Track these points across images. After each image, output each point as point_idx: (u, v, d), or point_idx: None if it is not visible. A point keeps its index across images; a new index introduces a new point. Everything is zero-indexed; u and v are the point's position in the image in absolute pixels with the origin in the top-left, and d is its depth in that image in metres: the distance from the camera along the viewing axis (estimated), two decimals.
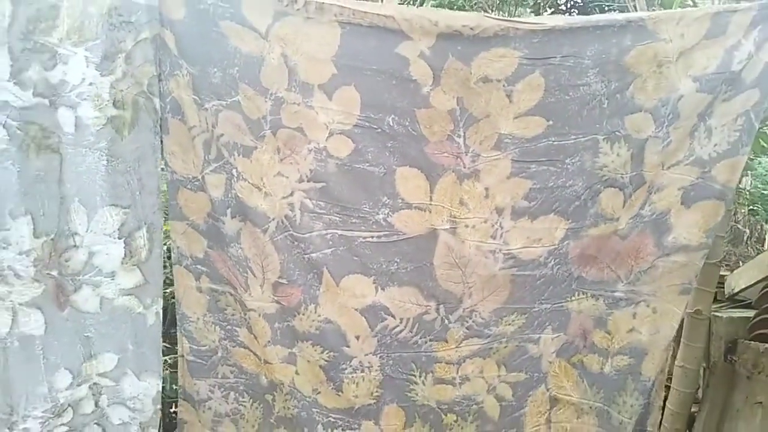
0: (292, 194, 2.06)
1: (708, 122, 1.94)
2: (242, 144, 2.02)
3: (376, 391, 2.15)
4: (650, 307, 2.09)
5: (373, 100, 1.99)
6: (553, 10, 7.21)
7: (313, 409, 2.15)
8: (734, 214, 3.33)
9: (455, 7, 4.20)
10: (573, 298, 2.13)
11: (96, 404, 2.03)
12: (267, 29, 1.93)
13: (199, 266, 2.13)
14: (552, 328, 2.15)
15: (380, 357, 2.14)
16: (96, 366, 2.00)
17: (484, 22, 1.91)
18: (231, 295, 2.14)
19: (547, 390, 2.16)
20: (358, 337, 2.13)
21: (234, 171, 2.03)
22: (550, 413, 2.17)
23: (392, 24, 1.93)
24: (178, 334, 2.18)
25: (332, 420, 2.16)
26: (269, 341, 2.13)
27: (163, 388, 2.13)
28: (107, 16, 1.92)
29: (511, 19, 1.97)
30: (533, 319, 2.14)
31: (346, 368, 2.13)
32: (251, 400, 2.21)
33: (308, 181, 2.05)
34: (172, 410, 2.74)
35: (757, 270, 2.59)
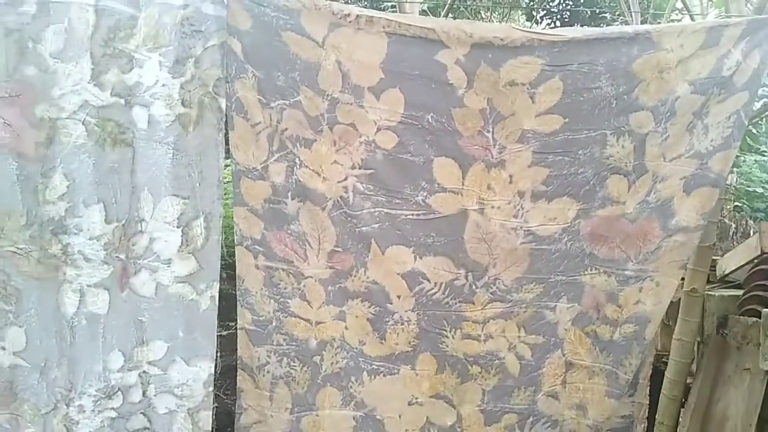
0: (346, 179, 2.41)
1: (705, 121, 2.26)
2: (304, 137, 2.37)
3: (413, 341, 2.55)
4: (654, 281, 2.32)
5: (415, 101, 2.32)
6: (545, 12, 7.36)
7: (359, 359, 2.54)
8: (721, 210, 3.65)
9: (450, 9, 4.38)
10: (586, 272, 2.36)
11: (143, 393, 2.13)
12: (323, 39, 2.18)
13: (257, 246, 2.33)
14: (567, 299, 2.36)
15: (417, 313, 2.52)
16: (146, 353, 2.12)
17: (513, 33, 2.22)
18: (284, 270, 2.45)
19: (563, 355, 2.40)
20: (399, 296, 2.50)
21: (297, 160, 2.38)
22: (565, 375, 2.42)
23: (432, 35, 2.24)
24: (239, 308, 2.47)
25: (375, 367, 2.54)
26: (323, 302, 2.50)
27: None
28: (180, 26, 2.20)
29: (536, 31, 2.29)
30: (550, 288, 2.37)
31: (389, 321, 2.51)
32: (301, 364, 2.40)
33: (360, 168, 2.39)
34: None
35: (744, 253, 2.92)
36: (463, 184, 2.40)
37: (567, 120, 2.30)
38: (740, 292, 2.85)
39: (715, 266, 3.07)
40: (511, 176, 2.39)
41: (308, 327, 2.54)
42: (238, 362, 2.55)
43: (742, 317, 2.70)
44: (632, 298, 2.43)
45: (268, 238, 2.46)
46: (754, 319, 2.61)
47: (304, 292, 2.50)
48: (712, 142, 2.26)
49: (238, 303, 2.51)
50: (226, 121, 2.34)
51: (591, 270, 2.45)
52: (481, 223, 2.43)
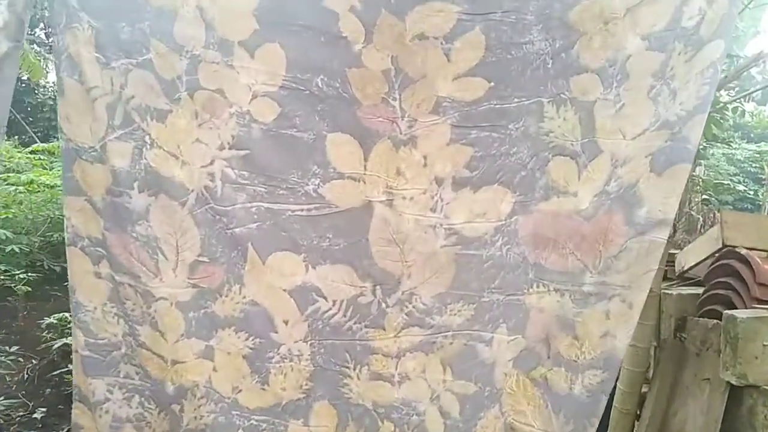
0: (212, 163, 1.84)
1: (672, 85, 1.72)
2: (155, 107, 1.81)
3: (306, 384, 1.91)
4: (626, 302, 1.70)
5: (300, 59, 1.80)
6: None
7: (233, 412, 1.88)
8: (688, 203, 3.21)
9: None
10: (531, 290, 1.82)
11: None
12: None
13: (98, 249, 1.86)
14: (507, 328, 1.82)
15: (311, 344, 1.90)
16: None
17: None
18: (131, 286, 1.85)
19: (502, 414, 1.82)
20: (286, 322, 1.89)
21: (147, 138, 1.81)
22: None
23: None
24: (72, 325, 1.90)
25: (255, 423, 1.88)
26: (182, 334, 1.86)
27: None
28: None
29: None
30: (483, 311, 1.85)
31: (273, 357, 1.89)
32: (158, 408, 1.90)
33: (230, 149, 1.84)
34: None
35: (705, 247, 2.46)
36: (365, 168, 1.85)
37: (492, 84, 1.80)
38: (700, 290, 2.39)
39: (673, 261, 2.59)
40: (425, 157, 1.85)
41: (162, 366, 1.87)
42: (75, 392, 1.92)
43: (701, 319, 2.25)
44: (596, 327, 1.76)
45: (110, 242, 1.84)
46: (715, 321, 2.17)
47: (155, 318, 1.86)
48: (682, 105, 1.70)
49: (72, 320, 1.88)
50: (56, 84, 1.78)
51: (537, 287, 1.84)
52: (390, 219, 1.86)
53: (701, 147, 3.12)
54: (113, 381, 1.90)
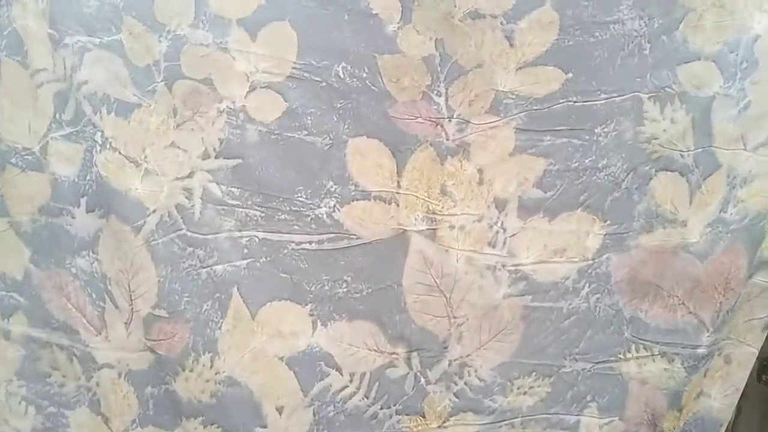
0: (190, 175, 1.35)
1: None
2: (117, 98, 1.35)
3: None
4: (722, 356, 1.41)
5: (316, 42, 1.36)
6: None
7: None
8: None
9: None
10: (629, 354, 1.38)
11: None
12: None
13: (14, 294, 1.33)
14: (598, 407, 1.37)
15: None
16: None
17: None
18: (62, 349, 1.33)
19: None
20: (281, 409, 1.31)
21: (98, 136, 1.33)
22: None
23: None
24: None
25: None
26: (134, 421, 1.30)
27: None
28: None
29: None
30: (564, 386, 1.37)
31: None
32: None
33: (216, 157, 1.35)
34: None
35: None
36: (399, 186, 1.36)
37: (570, 75, 1.35)
38: None
39: None
40: (480, 172, 1.36)
41: None
42: None
43: None
44: (693, 388, 1.40)
45: (38, 281, 1.31)
46: None
47: (97, 396, 1.28)
48: None
49: None
50: None
51: (637, 350, 1.37)
52: (433, 257, 1.34)
53: None
54: None
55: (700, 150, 1.34)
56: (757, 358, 1.89)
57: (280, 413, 1.32)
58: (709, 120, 1.34)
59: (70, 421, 1.31)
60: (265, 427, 1.31)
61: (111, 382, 1.30)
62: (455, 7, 1.36)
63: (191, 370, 1.32)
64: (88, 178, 1.33)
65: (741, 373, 1.43)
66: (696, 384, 1.40)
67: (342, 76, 1.36)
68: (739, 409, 1.98)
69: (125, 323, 1.32)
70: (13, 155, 1.33)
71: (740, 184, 1.34)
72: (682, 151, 1.35)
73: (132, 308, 1.32)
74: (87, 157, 1.33)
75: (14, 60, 1.34)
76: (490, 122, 1.36)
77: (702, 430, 1.45)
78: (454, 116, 1.37)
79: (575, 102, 1.35)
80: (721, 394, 1.43)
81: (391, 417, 1.32)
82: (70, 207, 1.31)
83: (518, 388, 1.35)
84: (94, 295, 1.31)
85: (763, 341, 1.43)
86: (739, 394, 1.47)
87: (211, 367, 1.33)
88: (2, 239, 1.34)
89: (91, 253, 1.32)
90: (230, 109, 1.36)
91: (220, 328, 1.33)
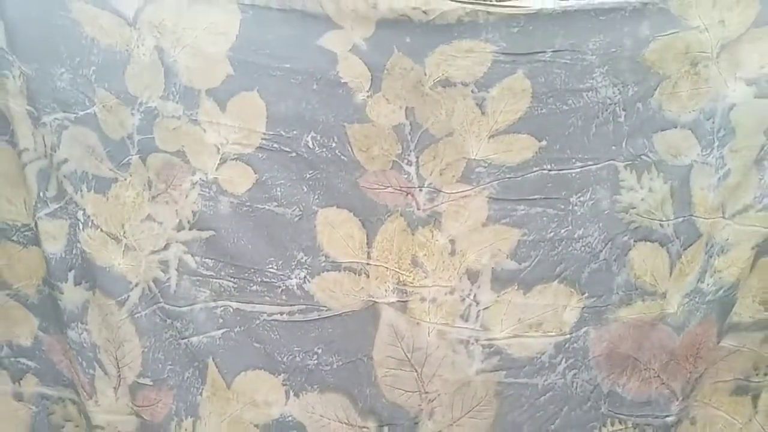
0: (166, 247, 1.37)
1: None
2: (95, 174, 1.37)
3: None
4: (689, 418, 1.37)
5: (285, 112, 1.36)
6: None
7: None
8: None
9: None
10: (604, 429, 1.35)
11: None
12: (135, 13, 1.35)
13: (22, 360, 1.40)
14: None
15: None
16: None
17: (442, 3, 1.34)
18: (74, 403, 1.40)
19: None
20: None
21: (80, 214, 1.36)
22: None
23: (313, 6, 1.36)
24: None
25: None
26: None
27: None
28: None
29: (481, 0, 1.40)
30: None
31: None
32: None
33: (190, 229, 1.37)
34: None
35: None
36: (369, 256, 1.35)
37: (544, 143, 1.33)
38: None
39: None
40: (452, 242, 1.35)
41: None
42: None
43: None
44: None
45: (47, 346, 1.39)
46: None
47: None
48: None
49: None
50: None
51: (612, 424, 1.35)
52: (404, 330, 1.34)
53: None
54: None
55: (680, 219, 1.31)
56: None
57: None
58: (689, 188, 1.30)
59: None
60: None
61: None
62: (425, 75, 1.35)
63: None
64: (74, 252, 1.36)
65: None
66: None
67: (311, 146, 1.36)
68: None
69: (114, 388, 1.36)
70: (13, 233, 1.38)
71: (717, 253, 1.30)
72: (661, 220, 1.31)
73: (120, 375, 1.36)
74: (71, 232, 1.36)
75: (3, 140, 1.38)
76: (461, 191, 1.35)
77: None
78: (425, 185, 1.35)
79: (549, 170, 1.33)
80: None
81: None
82: (59, 283, 1.35)
83: None
84: (84, 364, 1.35)
85: (744, 408, 1.39)
86: None
87: (193, 431, 1.36)
88: (4, 309, 1.39)
89: (80, 324, 1.36)
90: (203, 181, 1.37)
91: (201, 394, 1.35)
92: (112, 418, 1.37)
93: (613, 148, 1.31)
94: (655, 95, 1.31)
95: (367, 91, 1.35)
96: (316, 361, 1.34)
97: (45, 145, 1.37)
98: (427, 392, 1.32)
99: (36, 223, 1.37)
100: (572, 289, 1.31)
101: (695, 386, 1.34)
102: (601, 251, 1.31)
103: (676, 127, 1.30)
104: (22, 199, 1.40)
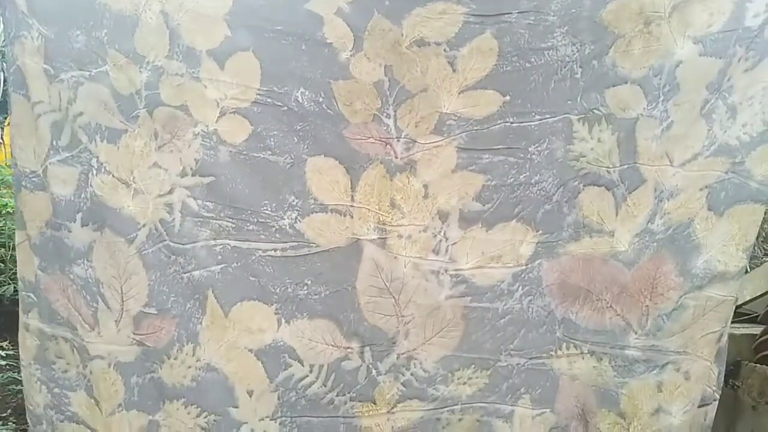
0: (171, 191, 1.53)
1: (729, 99, 1.41)
2: (107, 126, 1.54)
3: None
4: (681, 371, 1.46)
5: (277, 70, 1.51)
6: None
7: None
8: None
9: None
10: (560, 352, 1.50)
11: None
12: None
13: (30, 295, 1.55)
14: (531, 399, 1.50)
15: (281, 423, 1.50)
16: None
17: None
18: (66, 341, 1.53)
19: None
20: (251, 393, 1.51)
21: (94, 161, 1.53)
22: None
23: None
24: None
25: None
26: (120, 405, 1.50)
27: None
28: None
29: None
30: (500, 379, 1.50)
31: None
32: None
33: (193, 175, 1.53)
34: None
35: (764, 279, 2.03)
36: (352, 200, 1.51)
37: (508, 98, 1.47)
38: (757, 330, 2.04)
39: None
40: (425, 186, 1.51)
41: None
42: None
43: (759, 366, 1.90)
44: (646, 402, 1.47)
45: (44, 284, 1.53)
46: None
47: (90, 381, 1.50)
48: (746, 128, 1.40)
49: None
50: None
51: (567, 348, 1.51)
52: (383, 263, 1.50)
53: None
54: None
55: (625, 166, 1.46)
56: (726, 363, 1.97)
57: (250, 396, 1.51)
58: (634, 139, 1.45)
59: (71, 401, 1.53)
60: (237, 407, 1.50)
61: (101, 371, 1.50)
62: (402, 35, 1.49)
63: (175, 358, 1.51)
64: (82, 196, 1.52)
65: (698, 388, 1.48)
66: (645, 396, 1.47)
67: (301, 101, 1.51)
68: (705, 413, 2.06)
69: (116, 321, 1.51)
70: (23, 178, 1.53)
71: (667, 198, 1.45)
72: (608, 167, 1.46)
73: (123, 308, 1.52)
74: (82, 178, 1.52)
75: (20, 94, 1.53)
76: (434, 142, 1.50)
77: None
78: (402, 136, 1.51)
79: (512, 123, 1.48)
80: (680, 411, 1.47)
81: (345, 403, 1.50)
82: (67, 222, 1.51)
83: (458, 379, 1.50)
84: (88, 297, 1.51)
85: (715, 354, 1.48)
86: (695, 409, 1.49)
87: (193, 355, 1.51)
88: (21, 249, 1.56)
89: (86, 261, 1.51)
90: (204, 132, 1.52)
91: (201, 323, 1.52)
92: (113, 348, 1.51)
93: (569, 102, 1.45)
94: (610, 53, 1.45)
95: (350, 51, 1.49)
96: (305, 292, 1.50)
97: (61, 100, 1.53)
98: (403, 316, 1.49)
99: (46, 169, 1.53)
100: (528, 227, 1.47)
101: (663, 326, 1.45)
102: (554, 194, 1.46)
103: (626, 83, 1.45)
104: (32, 148, 1.54)
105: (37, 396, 1.54)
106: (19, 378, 1.66)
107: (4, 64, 1.51)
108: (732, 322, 2.10)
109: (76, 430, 1.51)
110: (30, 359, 1.54)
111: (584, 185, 1.46)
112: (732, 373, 1.98)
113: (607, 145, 1.45)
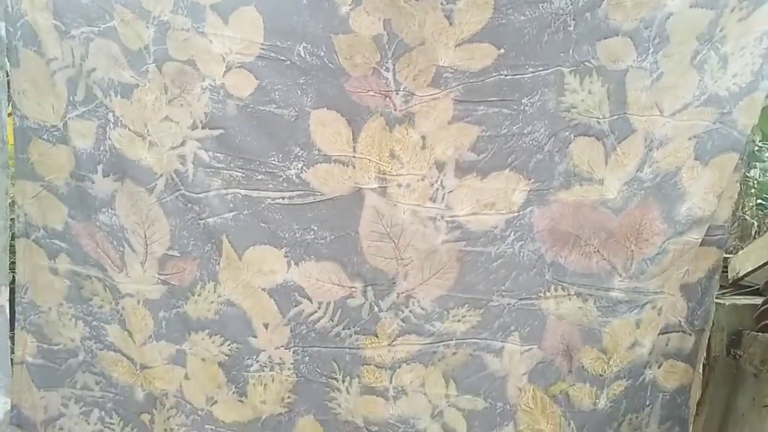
0: (183, 144, 1.62)
1: (721, 50, 1.43)
2: (120, 81, 1.61)
3: (289, 397, 1.67)
4: (656, 308, 1.52)
5: (280, 25, 1.56)
6: None
7: (207, 426, 1.66)
8: (742, 207, 2.84)
9: None
10: (548, 293, 1.57)
11: None
12: None
13: (56, 241, 1.66)
14: (520, 336, 1.59)
15: (294, 352, 1.67)
16: None
17: None
18: (99, 280, 1.66)
19: None
20: (266, 326, 1.66)
21: (110, 116, 1.61)
22: None
23: None
24: (18, 330, 1.67)
25: None
26: (151, 336, 1.65)
27: None
28: None
29: None
30: (491, 317, 1.60)
31: (251, 365, 1.66)
32: (122, 421, 1.70)
33: (203, 128, 1.61)
34: None
35: (765, 250, 2.10)
36: (354, 151, 1.60)
37: (502, 51, 1.52)
38: (759, 300, 2.02)
39: (726, 266, 2.21)
40: (423, 138, 1.59)
41: (131, 370, 1.68)
42: (11, 415, 1.66)
43: (760, 334, 1.89)
44: (625, 338, 1.55)
45: (75, 230, 1.66)
46: None
47: (122, 316, 1.67)
48: (736, 79, 1.44)
49: (16, 324, 1.68)
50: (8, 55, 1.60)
51: (555, 290, 1.59)
52: (384, 210, 1.61)
53: (756, 149, 2.70)
54: (69, 393, 1.70)
55: (615, 117, 1.52)
56: (727, 332, 2.07)
57: (266, 328, 1.65)
58: (624, 90, 1.51)
59: (108, 332, 1.69)
60: (255, 337, 1.65)
61: (132, 307, 1.65)
62: None
63: (199, 295, 1.65)
64: (102, 149, 1.61)
65: (664, 319, 1.56)
66: (625, 332, 1.55)
67: (303, 55, 1.57)
68: (707, 382, 2.03)
69: (141, 263, 1.66)
70: (42, 131, 1.62)
71: (657, 147, 1.49)
72: (598, 118, 1.53)
73: (147, 251, 1.66)
74: (100, 132, 1.61)
75: (31, 50, 1.59)
76: (431, 94, 1.57)
77: (633, 373, 1.56)
78: (401, 89, 1.58)
79: (506, 75, 1.53)
80: (650, 342, 1.55)
81: (351, 336, 1.65)
82: (90, 174, 1.62)
83: (453, 317, 1.62)
84: (114, 242, 1.64)
85: (679, 287, 1.54)
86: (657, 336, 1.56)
87: (214, 292, 1.65)
88: (39, 198, 1.66)
89: (110, 210, 1.63)
90: (212, 86, 1.59)
91: (218, 264, 1.64)
92: (141, 287, 1.65)
93: (561, 55, 1.50)
94: (603, 5, 1.48)
95: (350, 5, 1.53)
96: (312, 236, 1.62)
97: (73, 56, 1.59)
98: (402, 259, 1.61)
99: (66, 124, 1.61)
100: (520, 176, 1.55)
101: (646, 270, 1.51)
102: (545, 144, 1.54)
103: (617, 35, 1.49)
104: (50, 103, 1.61)
105: (71, 331, 1.70)
106: None
107: None
108: (733, 294, 2.22)
109: (114, 357, 1.68)
110: (61, 300, 1.68)
111: (575, 135, 1.52)
112: (733, 342, 1.98)
113: (597, 96, 1.50)
